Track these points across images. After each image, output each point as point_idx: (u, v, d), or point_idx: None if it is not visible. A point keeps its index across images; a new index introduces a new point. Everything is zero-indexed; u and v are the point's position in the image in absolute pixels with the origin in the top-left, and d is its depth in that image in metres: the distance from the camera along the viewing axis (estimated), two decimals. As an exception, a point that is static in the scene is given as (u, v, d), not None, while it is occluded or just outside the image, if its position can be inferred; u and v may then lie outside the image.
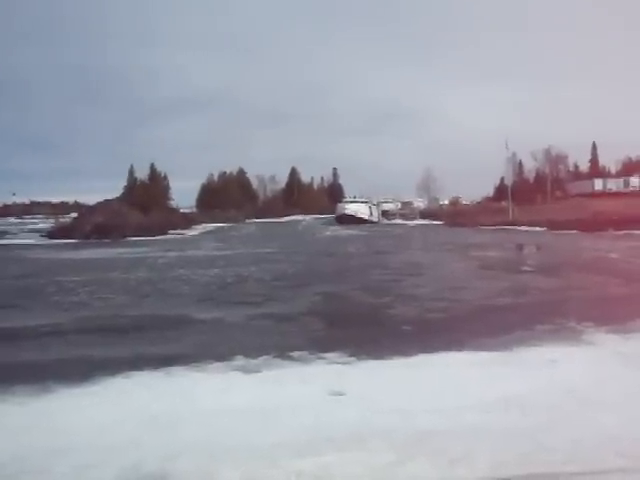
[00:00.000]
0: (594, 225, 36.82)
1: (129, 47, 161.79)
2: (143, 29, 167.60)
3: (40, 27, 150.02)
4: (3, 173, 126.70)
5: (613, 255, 21.97)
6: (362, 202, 78.80)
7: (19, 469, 4.35)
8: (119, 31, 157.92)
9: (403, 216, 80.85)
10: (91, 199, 66.41)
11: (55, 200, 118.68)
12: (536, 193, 71.63)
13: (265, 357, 7.94)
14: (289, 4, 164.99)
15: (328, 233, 51.56)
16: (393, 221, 75.95)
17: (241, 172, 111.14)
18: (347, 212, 73.40)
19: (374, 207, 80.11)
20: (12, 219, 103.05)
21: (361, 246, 32.91)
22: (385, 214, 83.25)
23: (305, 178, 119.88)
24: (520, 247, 29.91)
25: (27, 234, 54.77)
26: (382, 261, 22.96)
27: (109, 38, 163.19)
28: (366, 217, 73.64)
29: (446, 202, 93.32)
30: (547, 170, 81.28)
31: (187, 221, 67.38)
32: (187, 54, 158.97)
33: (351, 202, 79.27)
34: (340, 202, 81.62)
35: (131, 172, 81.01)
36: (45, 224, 65.17)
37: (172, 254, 30.04)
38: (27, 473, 4.29)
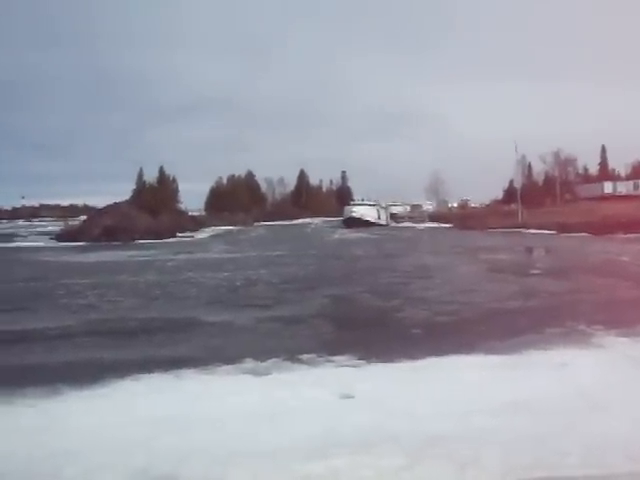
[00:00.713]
0: (604, 228, 36.59)
1: (138, 49, 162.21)
2: (154, 31, 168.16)
3: (49, 30, 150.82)
4: (12, 176, 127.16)
5: (623, 258, 21.84)
6: (370, 205, 78.46)
7: (29, 471, 4.37)
8: (129, 34, 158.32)
9: (412, 219, 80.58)
10: (100, 202, 66.55)
11: (64, 203, 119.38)
12: (545, 196, 71.31)
13: (274, 360, 7.94)
14: (299, 6, 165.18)
15: (337, 236, 51.53)
16: (402, 224, 75.71)
17: (250, 175, 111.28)
18: (354, 215, 72.92)
19: (382, 210, 79.73)
20: (21, 222, 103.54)
21: (370, 249, 32.88)
22: (394, 217, 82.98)
23: (314, 181, 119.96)
24: (529, 250, 29.79)
25: (36, 237, 54.98)
26: (391, 264, 22.92)
27: (119, 40, 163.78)
28: (374, 220, 73.20)
29: (455, 205, 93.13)
30: (556, 173, 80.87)
31: (196, 224, 67.54)
32: (197, 56, 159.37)
33: (359, 205, 78.87)
34: (348, 205, 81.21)
35: (140, 175, 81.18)
36: (54, 227, 65.35)
37: (181, 257, 30.12)
38: (37, 475, 4.30)
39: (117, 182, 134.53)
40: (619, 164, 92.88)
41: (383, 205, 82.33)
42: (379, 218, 75.74)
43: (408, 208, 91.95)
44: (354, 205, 79.19)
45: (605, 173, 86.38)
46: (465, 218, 63.39)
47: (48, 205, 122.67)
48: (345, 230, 62.22)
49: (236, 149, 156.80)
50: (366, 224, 68.38)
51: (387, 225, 74.31)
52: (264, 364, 7.76)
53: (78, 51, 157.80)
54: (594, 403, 5.45)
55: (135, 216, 53.37)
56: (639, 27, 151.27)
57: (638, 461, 4.15)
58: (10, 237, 53.92)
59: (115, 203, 58.30)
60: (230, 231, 65.60)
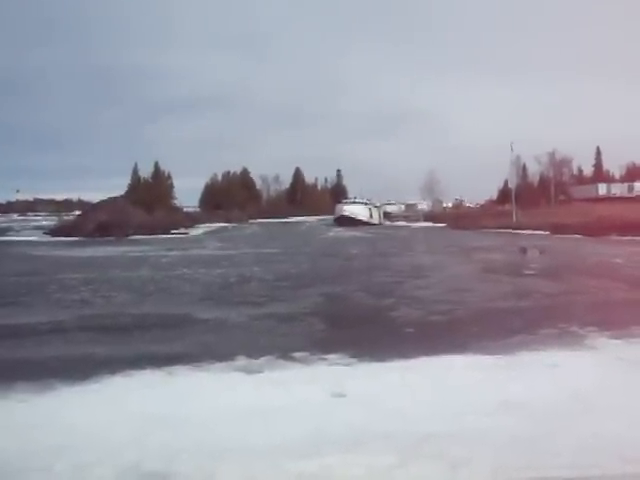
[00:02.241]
0: (598, 230, 36.68)
1: (136, 45, 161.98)
2: (151, 27, 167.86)
3: (48, 26, 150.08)
4: (7, 170, 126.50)
5: (617, 260, 21.89)
6: (362, 204, 77.87)
7: (21, 467, 4.35)
8: (127, 29, 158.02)
9: (406, 218, 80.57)
10: (95, 197, 66.47)
11: (59, 197, 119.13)
12: (540, 197, 71.47)
13: (267, 357, 7.93)
14: (295, 4, 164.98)
15: (331, 234, 51.55)
16: (396, 223, 75.67)
17: (245, 172, 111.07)
18: (345, 213, 72.32)
19: (375, 209, 79.31)
20: (15, 216, 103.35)
21: (364, 248, 32.89)
22: (388, 216, 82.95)
23: (309, 179, 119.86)
24: (523, 251, 29.82)
25: (30, 231, 54.83)
26: (385, 263, 22.94)
27: (117, 36, 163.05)
28: (365, 219, 72.55)
29: (450, 205, 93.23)
30: (551, 174, 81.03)
31: (190, 220, 67.44)
32: (194, 53, 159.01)
33: (351, 203, 78.21)
34: (339, 203, 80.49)
35: (135, 170, 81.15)
36: (48, 221, 65.22)
37: (175, 253, 30.08)
38: (29, 471, 4.29)
39: (112, 177, 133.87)
40: (613, 166, 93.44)
41: (376, 204, 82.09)
42: (371, 217, 75.11)
43: (403, 207, 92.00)
44: (345, 204, 78.52)
45: (600, 175, 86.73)
46: (459, 218, 63.53)
47: (42, 199, 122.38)
48: (339, 229, 61.96)
49: (231, 146, 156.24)
50: (357, 223, 67.84)
51: (380, 224, 73.95)
52: (257, 362, 7.75)
53: (74, 46, 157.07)
54: (586, 404, 5.46)
55: (129, 212, 53.33)
56: (635, 28, 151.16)
57: (631, 462, 4.16)
58: (4, 231, 53.75)
59: (110, 198, 58.28)
60: (225, 228, 65.55)
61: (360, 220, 70.28)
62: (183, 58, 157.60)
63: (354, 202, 79.11)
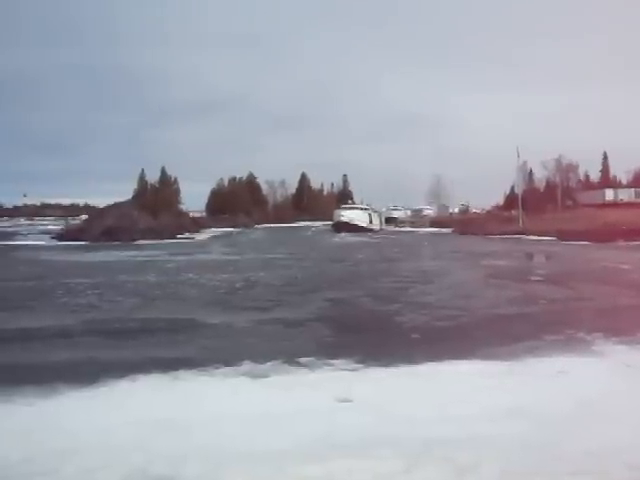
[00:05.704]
0: (604, 235, 36.55)
1: (142, 48, 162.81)
2: (157, 30, 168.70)
3: (53, 28, 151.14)
4: (14, 174, 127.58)
5: (624, 266, 21.80)
6: (361, 209, 76.54)
7: (26, 470, 4.36)
8: (133, 32, 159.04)
9: (413, 224, 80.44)
10: (102, 202, 66.65)
11: (66, 202, 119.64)
12: (546, 202, 71.26)
13: (273, 362, 7.91)
14: (303, 7, 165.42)
15: (336, 239, 51.57)
16: (402, 229, 75.47)
17: (251, 177, 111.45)
18: (343, 219, 70.66)
19: (375, 214, 78.22)
20: (22, 220, 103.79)
21: (370, 253, 32.87)
22: (394, 221, 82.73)
23: (315, 184, 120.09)
24: (530, 257, 29.77)
25: (37, 236, 55.00)
26: (391, 268, 22.89)
27: (122, 39, 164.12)
28: (365, 225, 71.17)
29: (456, 210, 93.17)
30: (557, 179, 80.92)
31: (196, 225, 67.65)
32: (200, 57, 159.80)
33: (349, 209, 76.59)
34: (338, 209, 77.92)
35: (141, 176, 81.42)
36: (55, 226, 65.40)
37: (181, 258, 30.12)
38: (34, 475, 4.29)
39: (119, 182, 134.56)
40: (620, 171, 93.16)
41: (377, 209, 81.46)
42: (371, 223, 73.74)
43: (409, 213, 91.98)
44: (344, 209, 76.81)
45: (606, 180, 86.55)
46: (465, 224, 63.45)
47: (49, 204, 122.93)
48: (343, 234, 61.46)
49: (238, 151, 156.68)
50: (356, 229, 66.39)
51: (380, 230, 72.89)
52: (262, 366, 7.74)
53: (82, 50, 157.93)
54: (593, 411, 5.44)
55: (136, 216, 53.42)
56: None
57: (637, 469, 4.15)
58: (11, 235, 53.93)
59: (116, 203, 58.37)
60: (230, 233, 65.62)
61: (360, 226, 68.81)
62: (190, 62, 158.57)
63: (353, 207, 77.98)
